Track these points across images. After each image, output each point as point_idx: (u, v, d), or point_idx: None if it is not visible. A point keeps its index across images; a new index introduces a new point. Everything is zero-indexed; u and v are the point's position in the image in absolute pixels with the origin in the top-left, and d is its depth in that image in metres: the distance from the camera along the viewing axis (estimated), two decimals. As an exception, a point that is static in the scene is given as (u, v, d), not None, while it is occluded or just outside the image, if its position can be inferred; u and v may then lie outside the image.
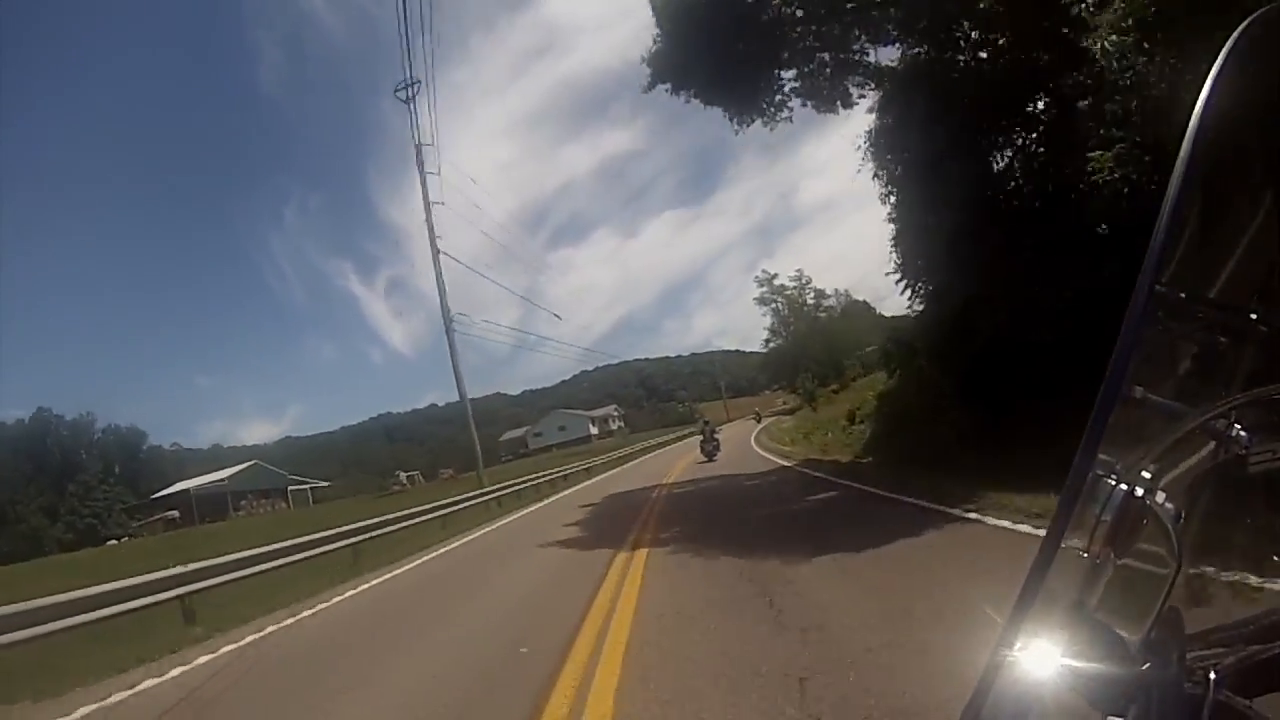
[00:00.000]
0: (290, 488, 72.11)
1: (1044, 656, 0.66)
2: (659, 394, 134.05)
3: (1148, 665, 0.62)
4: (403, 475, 67.77)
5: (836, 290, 66.53)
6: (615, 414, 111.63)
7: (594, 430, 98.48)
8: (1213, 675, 0.60)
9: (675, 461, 31.34)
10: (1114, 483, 0.64)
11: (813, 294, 69.39)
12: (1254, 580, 0.64)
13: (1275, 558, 0.62)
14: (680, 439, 58.48)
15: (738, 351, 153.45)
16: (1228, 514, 0.62)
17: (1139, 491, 0.64)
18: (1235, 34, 0.62)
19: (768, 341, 72.95)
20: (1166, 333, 0.66)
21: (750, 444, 34.06)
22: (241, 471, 71.15)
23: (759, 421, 58.87)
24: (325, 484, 75.28)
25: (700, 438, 29.12)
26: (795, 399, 68.53)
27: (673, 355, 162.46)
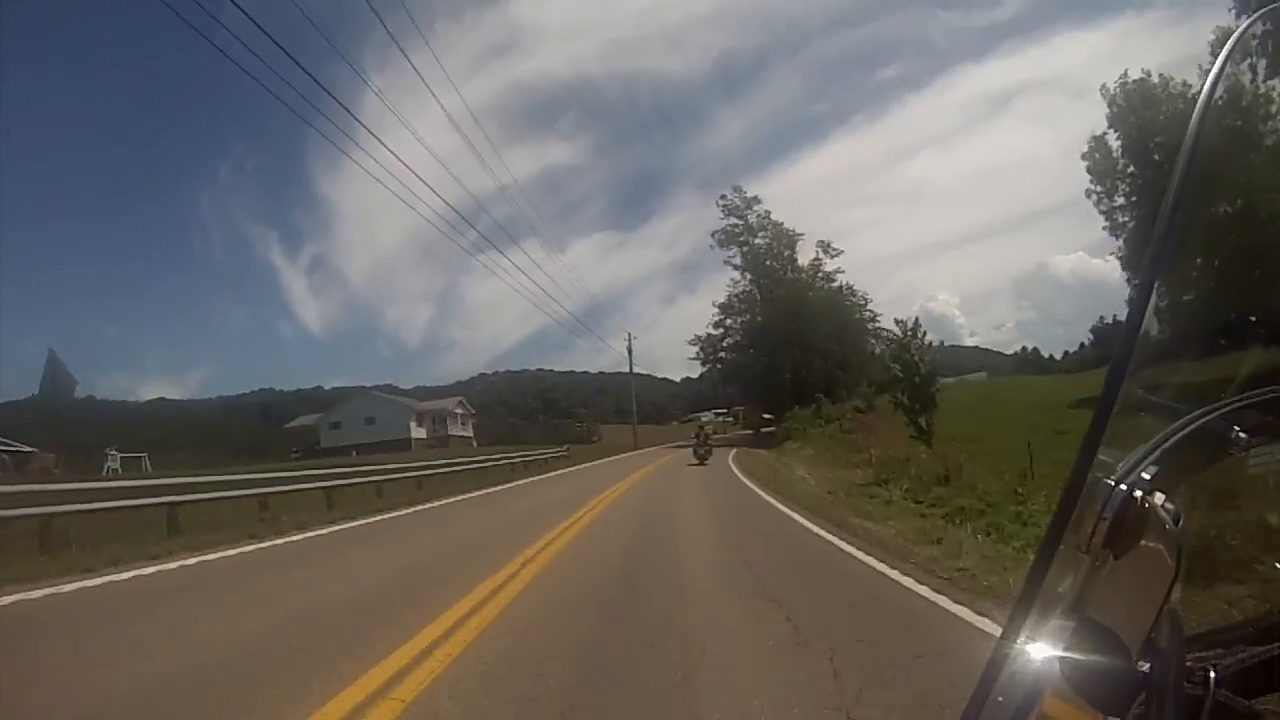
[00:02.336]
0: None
1: (1044, 656, 0.67)
2: (558, 409, 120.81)
3: (1148, 665, 0.62)
4: (116, 455, 43.29)
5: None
6: (458, 412, 74.98)
7: (420, 432, 65.99)
8: (1213, 675, 0.60)
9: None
10: (1114, 483, 0.64)
11: (814, 256, 55.02)
12: (1253, 581, 0.64)
13: (1275, 558, 0.62)
14: (569, 470, 31.14)
15: (649, 376, 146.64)
16: (1228, 514, 0.62)
17: (1139, 492, 0.64)
18: (1235, 34, 0.62)
19: (720, 322, 57.51)
20: (1166, 333, 0.66)
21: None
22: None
23: (701, 453, 30.24)
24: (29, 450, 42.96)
25: (694, 442, 31.03)
26: (743, 419, 58.57)
27: (579, 371, 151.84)
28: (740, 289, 57.47)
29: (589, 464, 35.02)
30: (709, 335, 58.03)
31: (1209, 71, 0.63)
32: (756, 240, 55.54)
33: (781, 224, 55.32)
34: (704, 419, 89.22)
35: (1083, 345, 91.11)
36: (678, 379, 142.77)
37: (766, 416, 53.82)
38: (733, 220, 55.51)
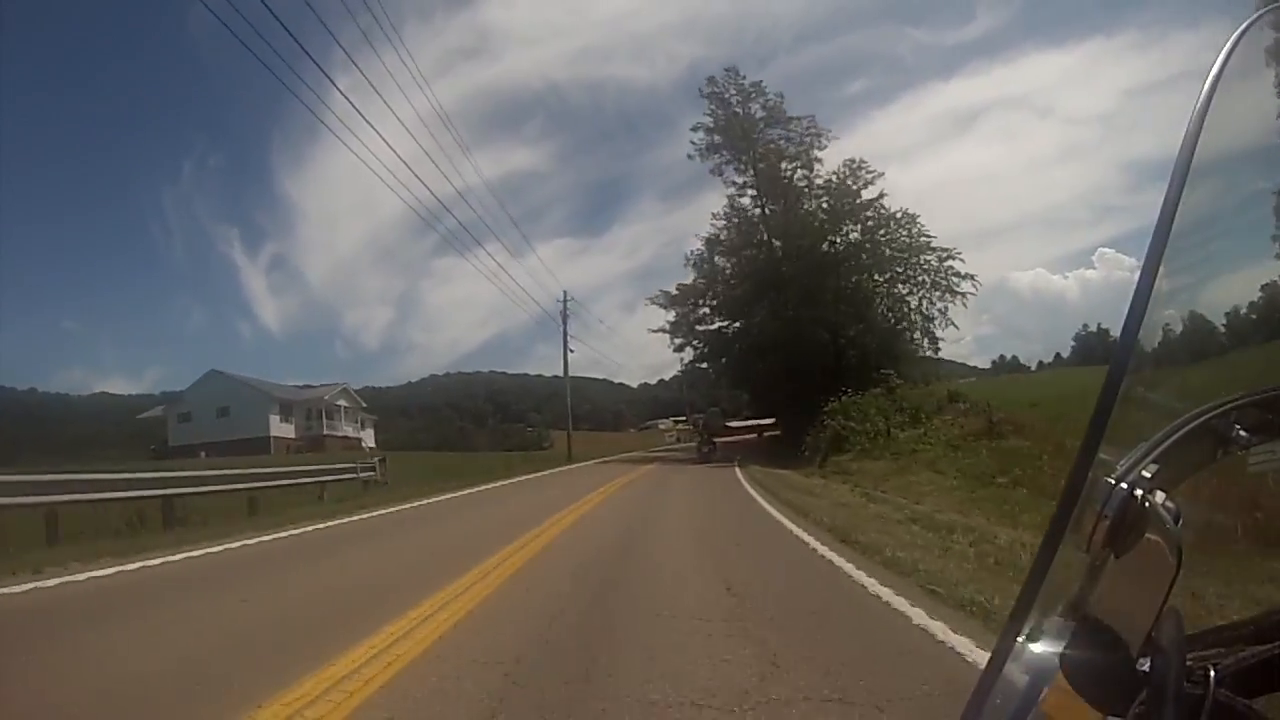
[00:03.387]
0: None
1: (1044, 654, 0.67)
2: (510, 413, 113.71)
3: (1148, 665, 0.62)
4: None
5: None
6: (341, 405, 56.45)
7: (285, 429, 50.96)
8: (1213, 674, 0.60)
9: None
10: (1114, 482, 0.65)
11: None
12: (1254, 580, 0.64)
13: (1275, 559, 0.62)
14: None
15: (605, 381, 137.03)
16: (1228, 514, 0.62)
17: (1139, 491, 0.64)
18: (1235, 34, 0.62)
19: (703, 263, 37.62)
20: (1166, 333, 0.66)
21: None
22: None
23: (705, 450, 31.68)
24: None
25: (698, 439, 32.72)
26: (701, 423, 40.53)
27: (533, 374, 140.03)
28: (733, 222, 37.29)
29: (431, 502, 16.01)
30: (681, 291, 38.15)
31: (1209, 72, 0.63)
32: (762, 136, 35.56)
33: (800, 119, 35.78)
34: (662, 426, 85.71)
35: (1058, 356, 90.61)
36: (635, 384, 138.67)
37: (765, 422, 43.37)
38: (725, 111, 35.69)
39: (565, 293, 46.92)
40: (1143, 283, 0.63)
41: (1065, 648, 0.66)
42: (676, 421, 73.34)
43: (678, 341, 38.38)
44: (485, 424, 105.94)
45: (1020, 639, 0.68)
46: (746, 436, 45.14)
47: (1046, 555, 0.66)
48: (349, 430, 55.60)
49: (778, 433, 36.70)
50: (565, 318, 46.20)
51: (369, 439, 57.29)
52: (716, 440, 31.17)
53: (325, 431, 51.84)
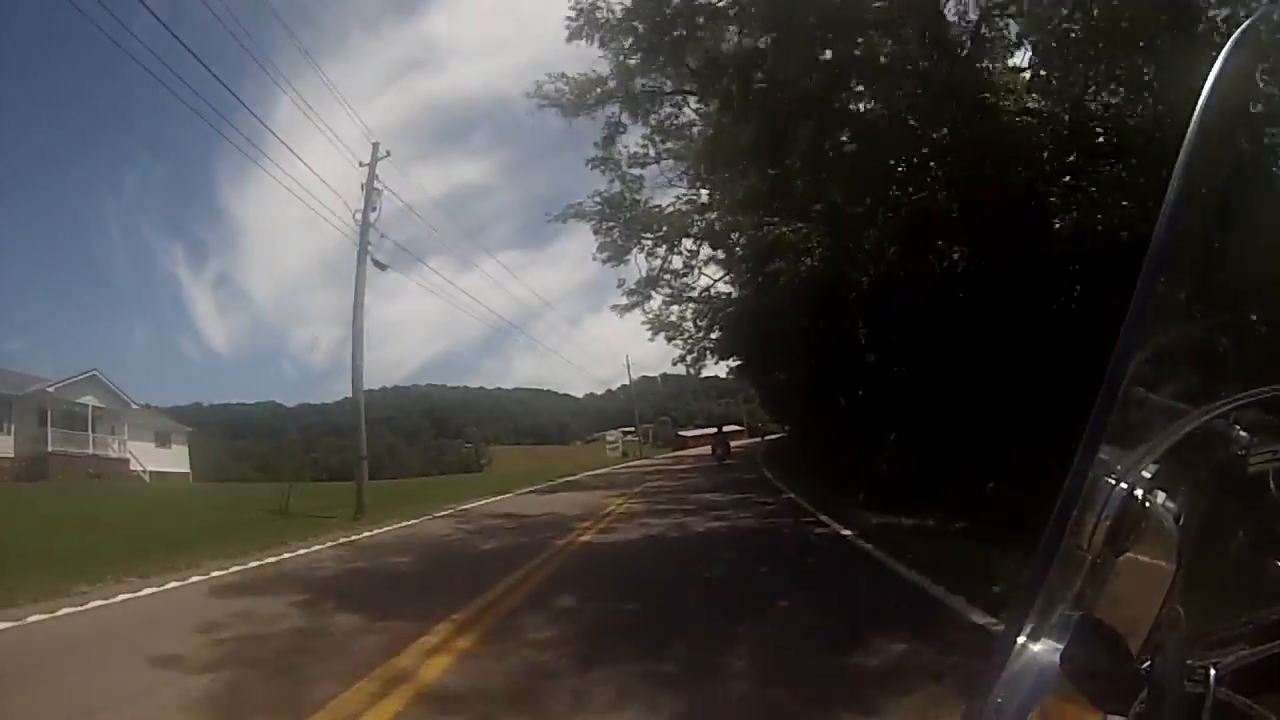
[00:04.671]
0: None
1: (1045, 654, 0.67)
2: (449, 429, 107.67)
3: (1148, 665, 0.62)
4: None
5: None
6: (95, 408, 33.62)
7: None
8: (1213, 674, 0.60)
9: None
10: (1114, 482, 0.65)
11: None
12: (1254, 581, 0.64)
13: (1275, 559, 0.62)
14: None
15: (550, 392, 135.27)
16: (1228, 514, 0.62)
17: (1139, 491, 0.64)
18: (1235, 34, 0.62)
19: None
20: (1166, 333, 0.66)
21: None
22: None
23: (720, 453, 29.48)
24: None
25: (714, 442, 31.90)
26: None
27: (472, 387, 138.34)
28: None
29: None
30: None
31: (1208, 74, 0.63)
32: None
33: None
34: (609, 438, 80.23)
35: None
36: (580, 396, 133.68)
37: (730, 429, 37.64)
38: None
39: (375, 145, 20.52)
40: (1144, 283, 0.63)
41: (1066, 647, 0.66)
42: (625, 433, 66.11)
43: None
44: (418, 440, 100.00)
45: (1021, 639, 0.68)
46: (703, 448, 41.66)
47: (1047, 555, 0.66)
48: (114, 446, 34.67)
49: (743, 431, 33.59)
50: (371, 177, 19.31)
51: (169, 459, 37.94)
52: (729, 443, 31.93)
53: (54, 448, 31.10)
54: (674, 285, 25.73)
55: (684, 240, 24.20)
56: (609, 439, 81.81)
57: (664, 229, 23.27)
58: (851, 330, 16.83)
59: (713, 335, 28.51)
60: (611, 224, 22.87)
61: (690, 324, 28.54)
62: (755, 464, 27.96)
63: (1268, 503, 0.61)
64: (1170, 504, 0.63)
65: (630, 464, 43.99)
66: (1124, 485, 0.64)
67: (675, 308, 28.04)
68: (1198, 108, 0.63)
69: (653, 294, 25.51)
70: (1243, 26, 0.61)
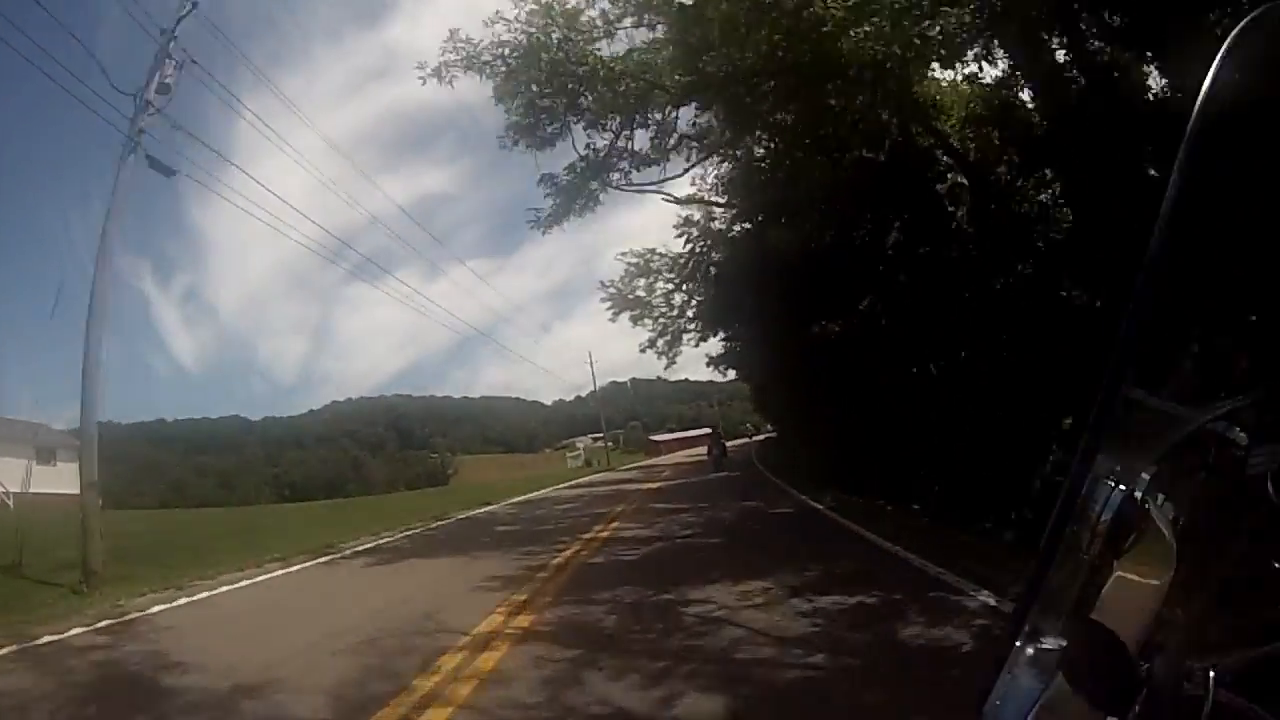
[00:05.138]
0: None
1: (1045, 657, 0.66)
2: (414, 440, 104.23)
3: (1147, 667, 0.62)
4: None
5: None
6: None
7: None
8: (1212, 677, 0.60)
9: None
10: (1113, 484, 0.64)
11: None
12: (1253, 583, 0.64)
13: (1275, 561, 0.62)
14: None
15: (517, 399, 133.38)
16: (1227, 516, 0.62)
17: (1138, 493, 0.64)
18: (1234, 33, 0.62)
19: None
20: (1166, 334, 0.66)
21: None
22: None
23: (716, 455, 27.63)
24: None
25: (709, 441, 30.34)
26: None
27: (439, 395, 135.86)
28: None
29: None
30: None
31: (1207, 74, 0.63)
32: None
33: None
34: (580, 445, 76.43)
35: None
36: (549, 402, 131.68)
37: (699, 433, 35.10)
38: None
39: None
40: (1143, 284, 0.63)
41: (1065, 650, 0.65)
42: (595, 439, 59.46)
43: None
44: (382, 452, 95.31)
45: (1020, 641, 0.68)
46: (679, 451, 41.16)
47: (1047, 556, 0.65)
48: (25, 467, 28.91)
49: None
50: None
51: (53, 479, 28.84)
52: (724, 443, 30.32)
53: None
54: (634, 181, 15.86)
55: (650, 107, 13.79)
56: (577, 446, 76.96)
57: (622, 86, 13.09)
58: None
59: (693, 305, 23.18)
60: (527, 80, 13.24)
61: (661, 299, 23.51)
62: (759, 472, 23.84)
63: (1267, 505, 0.61)
64: (1169, 506, 0.63)
65: (591, 479, 33.99)
66: (1123, 486, 0.64)
67: (642, 281, 22.91)
68: (1197, 107, 0.63)
69: (600, 191, 15.20)
70: (1241, 25, 0.61)
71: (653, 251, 22.46)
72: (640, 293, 23.22)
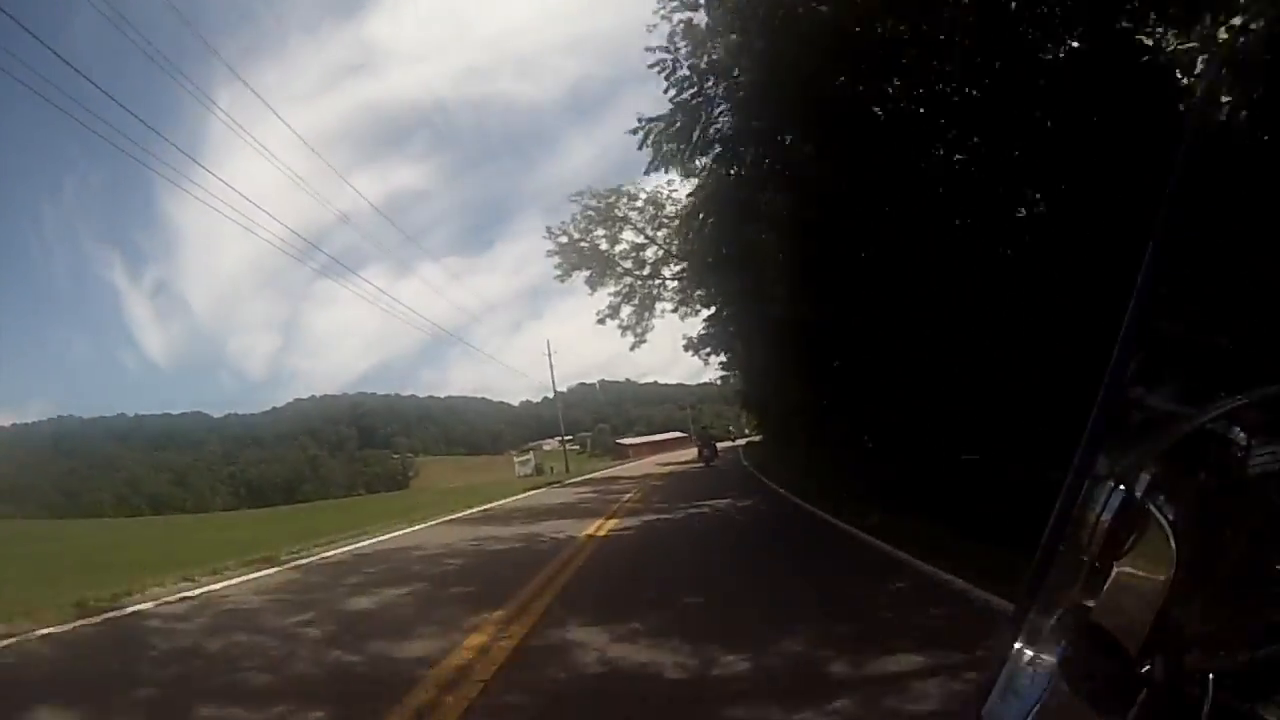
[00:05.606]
0: None
1: (1044, 657, 0.66)
2: (376, 439, 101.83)
3: (1147, 667, 0.62)
4: None
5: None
6: None
7: None
8: (1211, 679, 0.60)
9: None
10: (1113, 484, 0.64)
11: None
12: (1253, 584, 0.65)
13: (1275, 562, 0.62)
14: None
15: (485, 400, 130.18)
16: (1227, 517, 0.63)
17: (1138, 493, 0.64)
18: (1230, 37, 0.62)
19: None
20: (1166, 334, 0.66)
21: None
22: None
23: (707, 454, 26.50)
24: None
25: (699, 444, 29.55)
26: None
27: (404, 394, 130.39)
28: None
29: None
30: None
31: (1206, 75, 0.63)
32: None
33: None
34: (546, 447, 70.41)
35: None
36: (516, 403, 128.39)
37: (669, 436, 32.44)
38: None
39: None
40: (1143, 285, 0.63)
41: (1065, 650, 0.65)
42: (562, 441, 53.54)
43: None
44: (341, 452, 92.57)
45: (1019, 642, 0.67)
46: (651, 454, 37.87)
47: (1046, 557, 0.65)
48: None
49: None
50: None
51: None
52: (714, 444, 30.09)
53: None
54: None
55: None
56: (528, 450, 69.29)
57: None
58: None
59: (674, 258, 17.77)
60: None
61: (629, 252, 18.36)
62: (771, 491, 16.35)
63: (1267, 505, 0.62)
64: (1169, 506, 0.63)
65: (537, 498, 21.48)
66: (1123, 487, 0.64)
67: (601, 231, 18.03)
68: (1195, 111, 0.63)
69: None
70: (1240, 24, 0.62)
71: (618, 191, 17.11)
72: (601, 244, 18.40)
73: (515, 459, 45.66)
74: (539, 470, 44.89)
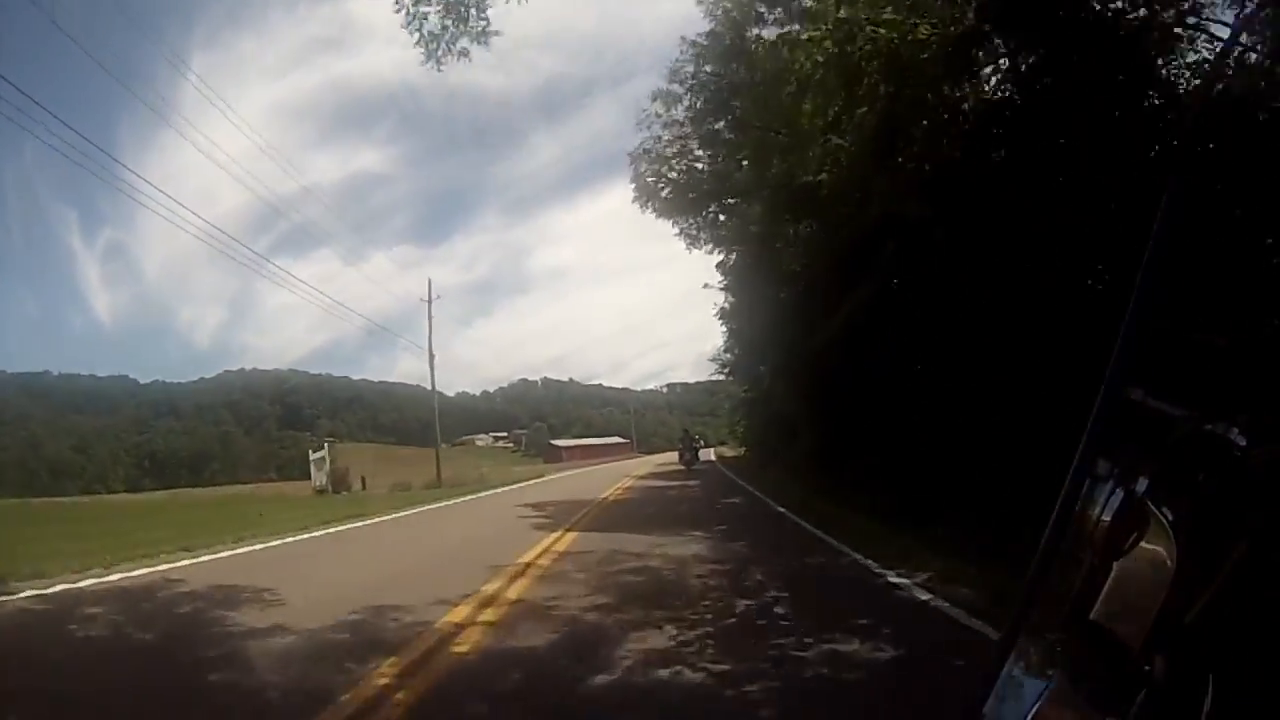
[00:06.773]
0: None
1: (1045, 657, 0.65)
2: (300, 420, 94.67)
3: (1147, 666, 0.62)
4: None
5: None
6: None
7: None
8: (1210, 678, 0.60)
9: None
10: (1113, 484, 0.64)
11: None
12: (1251, 584, 0.66)
13: (1275, 562, 0.63)
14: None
15: (419, 387, 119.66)
16: (1227, 517, 0.63)
17: (1138, 493, 0.64)
18: (1228, 42, 0.63)
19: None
20: (1165, 335, 0.67)
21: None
22: None
23: (688, 459, 26.88)
24: None
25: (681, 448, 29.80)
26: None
27: (335, 375, 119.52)
28: None
29: None
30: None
31: (1206, 77, 0.64)
32: None
33: None
34: (479, 442, 69.22)
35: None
36: (452, 394, 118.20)
37: (611, 441, 31.65)
38: None
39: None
40: (1142, 287, 0.63)
41: (1065, 649, 0.65)
42: (496, 437, 55.02)
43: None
44: (259, 430, 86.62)
45: (1021, 640, 0.66)
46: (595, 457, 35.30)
47: (1047, 557, 0.64)
48: None
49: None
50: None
51: None
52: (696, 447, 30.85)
53: None
54: None
55: None
56: (479, 442, 65.79)
57: None
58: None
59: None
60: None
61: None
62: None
63: (1267, 505, 0.62)
64: (1168, 506, 0.63)
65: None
66: (1123, 487, 0.64)
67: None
68: (1194, 113, 0.64)
69: None
70: (1239, 23, 0.63)
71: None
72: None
73: (311, 456, 29.01)
74: (340, 484, 26.13)
